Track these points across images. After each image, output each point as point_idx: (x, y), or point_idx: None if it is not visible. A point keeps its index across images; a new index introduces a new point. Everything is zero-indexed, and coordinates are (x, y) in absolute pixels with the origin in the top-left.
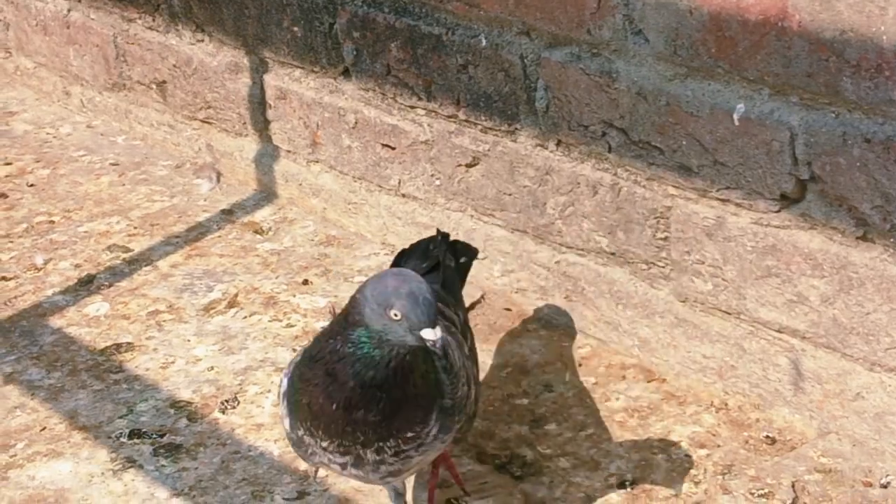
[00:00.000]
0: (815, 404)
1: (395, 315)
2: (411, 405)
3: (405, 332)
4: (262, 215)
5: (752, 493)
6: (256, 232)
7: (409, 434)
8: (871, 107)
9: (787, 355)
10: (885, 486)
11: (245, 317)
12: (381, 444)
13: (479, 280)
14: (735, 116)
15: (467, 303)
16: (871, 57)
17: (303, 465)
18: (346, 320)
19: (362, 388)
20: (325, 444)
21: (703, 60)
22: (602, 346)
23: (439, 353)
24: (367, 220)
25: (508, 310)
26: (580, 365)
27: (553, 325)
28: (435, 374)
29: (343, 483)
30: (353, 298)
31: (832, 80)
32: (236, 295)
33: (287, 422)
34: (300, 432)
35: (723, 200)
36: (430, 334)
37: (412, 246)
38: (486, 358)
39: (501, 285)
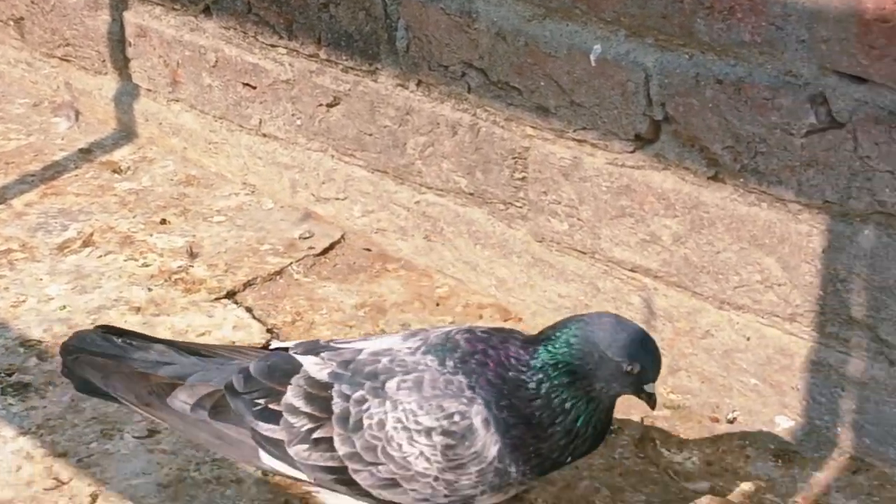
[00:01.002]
0: (667, 342)
1: (633, 369)
2: None
3: (629, 384)
4: (121, 154)
5: None
6: (115, 171)
7: None
8: (724, 48)
9: (639, 294)
10: (731, 422)
11: (100, 256)
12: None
13: (339, 220)
14: (592, 57)
15: (326, 243)
16: None
17: None
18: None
19: (571, 437)
20: (523, 475)
21: (561, 1)
22: (460, 285)
23: (651, 403)
24: (227, 159)
25: (368, 250)
26: (438, 304)
27: (412, 266)
28: None
29: None
30: (552, 336)
31: (686, 22)
32: (92, 234)
33: (493, 451)
34: (512, 471)
35: (579, 141)
36: (652, 388)
37: None
38: (344, 297)
39: (361, 226)
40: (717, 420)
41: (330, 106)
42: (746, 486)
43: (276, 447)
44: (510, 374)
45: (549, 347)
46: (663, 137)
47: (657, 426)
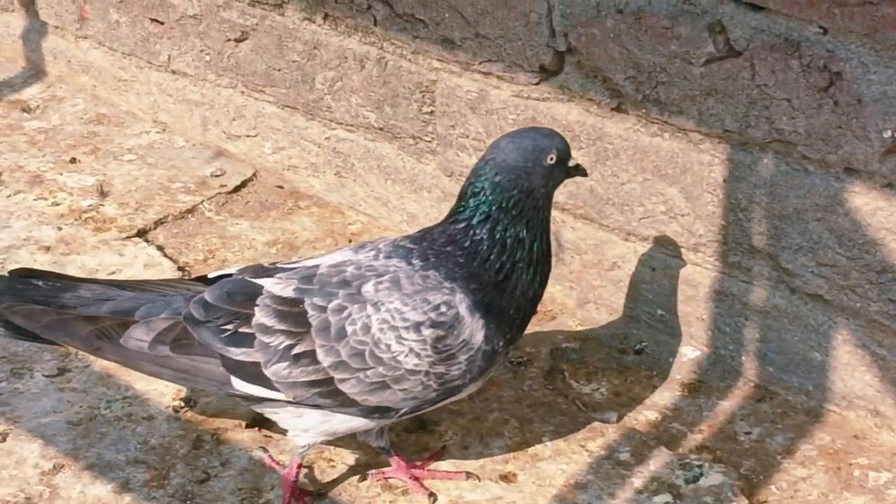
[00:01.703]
0: (575, 275)
1: (553, 158)
2: None
3: (559, 172)
4: (30, 93)
5: (512, 362)
6: (24, 110)
7: None
8: None
9: None
10: (638, 353)
11: (9, 195)
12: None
13: (250, 158)
14: None
15: (238, 181)
16: None
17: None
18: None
19: (535, 266)
20: (508, 345)
21: None
22: (372, 221)
23: (582, 172)
24: (137, 97)
25: (280, 187)
26: (350, 241)
27: (324, 202)
28: None
29: (101, 361)
30: (478, 188)
31: None
32: (0, 173)
33: (480, 336)
34: (499, 344)
35: (485, 73)
36: (574, 161)
37: None
38: (256, 235)
39: (273, 162)
40: (624, 351)
41: (238, 41)
42: (653, 416)
43: (250, 370)
44: (465, 246)
45: (481, 197)
46: (567, 69)
47: (566, 358)
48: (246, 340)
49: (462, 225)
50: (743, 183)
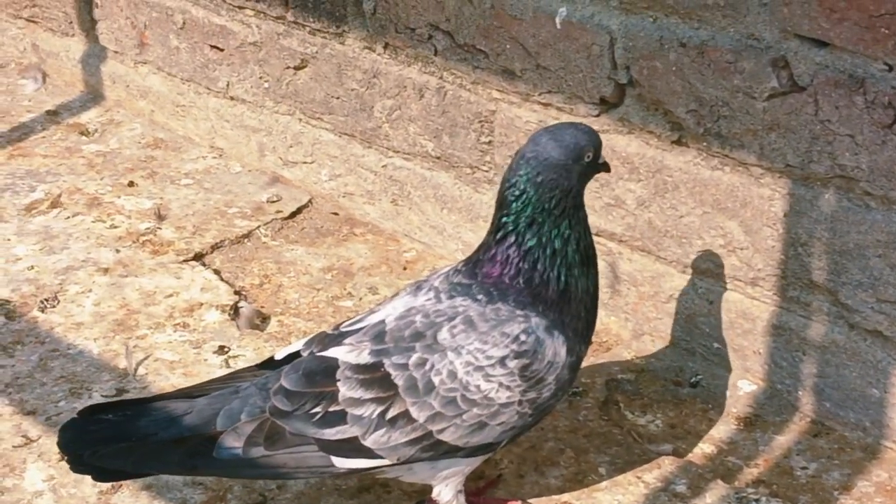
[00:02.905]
0: (631, 307)
1: (590, 156)
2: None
3: (591, 168)
4: (89, 117)
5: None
6: (82, 133)
7: None
8: (687, 11)
9: (604, 258)
10: (694, 385)
11: (68, 217)
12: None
13: (306, 184)
14: (557, 20)
15: (294, 207)
16: None
17: (122, 364)
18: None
19: (587, 264)
20: (587, 347)
21: None
22: (427, 249)
23: (606, 169)
24: (195, 122)
25: (336, 214)
26: (405, 268)
27: (379, 230)
28: None
29: (163, 381)
30: (518, 190)
31: None
32: (59, 195)
33: (563, 352)
34: (581, 349)
35: (545, 105)
36: (602, 157)
37: None
38: (311, 261)
39: (329, 189)
40: (680, 384)
41: (297, 69)
42: (708, 449)
43: (349, 446)
44: (519, 266)
45: (523, 200)
46: (628, 101)
47: (621, 389)
48: (338, 419)
49: (511, 240)
50: (803, 218)
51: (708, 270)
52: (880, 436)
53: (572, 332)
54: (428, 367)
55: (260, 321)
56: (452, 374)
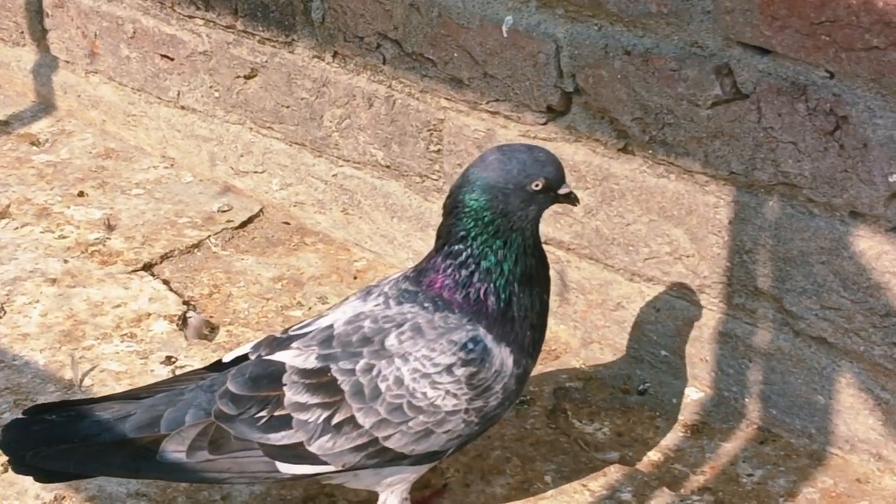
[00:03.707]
0: (580, 314)
1: (539, 185)
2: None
3: (545, 199)
4: (40, 127)
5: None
6: (33, 143)
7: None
8: (632, 19)
9: (554, 266)
10: (641, 393)
11: (16, 228)
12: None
13: (257, 194)
14: (504, 28)
15: (245, 216)
16: None
17: (67, 375)
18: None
19: (528, 284)
20: (534, 360)
21: None
22: (378, 258)
23: (572, 201)
24: (146, 132)
25: (287, 223)
26: (355, 278)
27: (330, 239)
28: None
29: (109, 391)
30: (456, 203)
31: None
32: (8, 206)
33: (510, 362)
34: (527, 362)
35: (493, 113)
36: (566, 189)
37: None
38: (262, 271)
39: (280, 199)
40: (628, 391)
41: (247, 78)
42: (655, 456)
43: (293, 451)
44: (457, 280)
45: (460, 213)
46: (574, 109)
47: (569, 397)
48: (283, 423)
49: (448, 250)
50: (748, 225)
51: (655, 278)
52: (826, 442)
53: (517, 347)
54: (375, 372)
55: (208, 331)
56: (399, 381)
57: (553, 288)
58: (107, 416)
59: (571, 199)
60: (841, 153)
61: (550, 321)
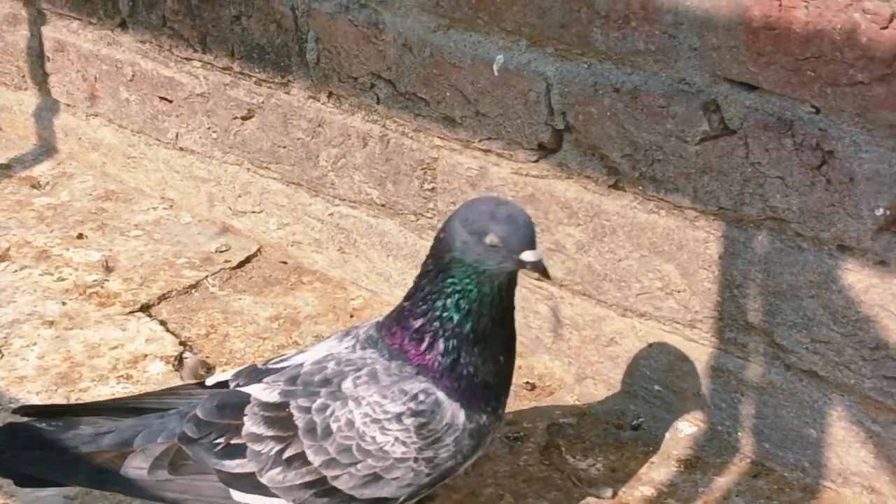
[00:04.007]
0: (573, 350)
1: (493, 241)
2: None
3: (503, 259)
4: (41, 170)
5: (508, 437)
6: (34, 186)
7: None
8: (620, 57)
9: (546, 303)
10: (635, 428)
11: (15, 270)
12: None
13: (255, 233)
14: (494, 67)
15: (243, 256)
16: (619, 8)
17: None
18: (434, 278)
19: (480, 344)
20: (495, 418)
21: (464, 11)
22: (374, 296)
23: (539, 272)
24: (146, 174)
25: (284, 263)
26: (352, 316)
27: (327, 278)
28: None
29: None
30: (437, 239)
31: (584, 31)
32: (8, 249)
33: (461, 416)
34: (483, 419)
35: (485, 151)
36: (531, 256)
37: None
38: (259, 310)
39: (277, 238)
40: (621, 427)
41: (244, 119)
42: (649, 492)
43: (247, 481)
44: (405, 329)
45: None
46: (565, 146)
47: (563, 433)
48: (238, 452)
49: (410, 299)
50: (738, 259)
51: (647, 313)
52: (819, 475)
53: (471, 402)
54: (328, 412)
55: (204, 371)
56: (350, 423)
57: (547, 324)
58: (88, 430)
59: (539, 269)
60: (828, 187)
61: (545, 357)
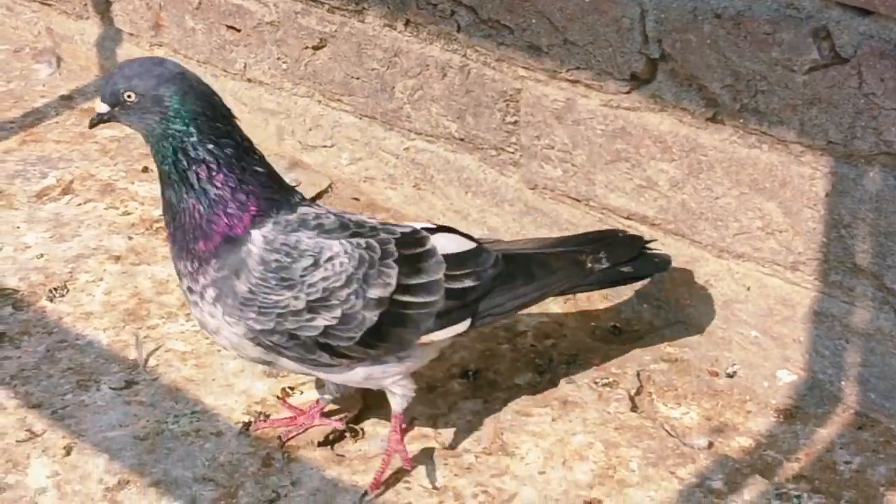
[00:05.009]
0: (663, 293)
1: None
2: (182, 226)
3: None
4: None
5: (597, 383)
6: None
7: (186, 267)
8: None
9: None
10: (731, 376)
11: (79, 204)
12: (181, 267)
13: (326, 168)
14: None
15: (313, 192)
16: None
17: (132, 355)
18: None
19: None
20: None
21: None
22: None
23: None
24: None
25: (356, 199)
26: None
27: (402, 215)
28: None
29: (174, 372)
30: None
31: None
32: (71, 182)
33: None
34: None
35: (573, 82)
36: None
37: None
38: None
39: (349, 174)
40: (716, 374)
41: (316, 48)
42: (746, 443)
43: None
44: None
45: None
46: (660, 77)
47: (654, 380)
48: None
49: None
50: (846, 198)
51: (745, 254)
52: None
53: None
54: None
55: None
56: None
57: None
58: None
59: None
60: None
61: (633, 299)
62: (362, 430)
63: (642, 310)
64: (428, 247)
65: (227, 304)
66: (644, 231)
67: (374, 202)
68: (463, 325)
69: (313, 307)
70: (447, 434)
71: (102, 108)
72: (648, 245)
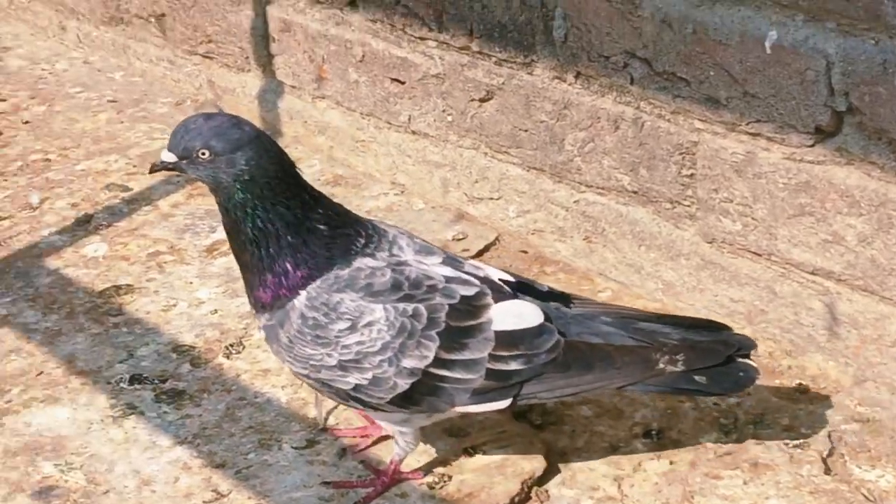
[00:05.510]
0: (851, 350)
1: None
2: (248, 271)
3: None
4: None
5: (787, 444)
6: None
7: (251, 301)
8: None
9: (820, 299)
10: None
11: None
12: (250, 300)
13: (493, 221)
14: (767, 44)
15: (480, 245)
16: None
17: (311, 413)
18: None
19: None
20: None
21: None
22: (624, 289)
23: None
24: (375, 158)
25: (524, 252)
26: None
27: (571, 269)
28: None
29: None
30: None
31: (872, 4)
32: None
33: None
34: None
35: (753, 135)
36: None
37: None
38: None
39: (517, 226)
40: None
41: (482, 101)
42: None
43: None
44: None
45: None
46: (846, 130)
47: (846, 441)
48: None
49: None
50: None
51: None
52: None
53: None
54: None
55: None
56: None
57: (821, 322)
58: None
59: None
60: None
61: (819, 357)
62: (546, 492)
63: (829, 367)
64: (482, 319)
65: (272, 346)
66: (830, 286)
67: (542, 255)
68: (502, 404)
69: (345, 366)
70: (634, 496)
71: (169, 157)
72: (743, 354)
